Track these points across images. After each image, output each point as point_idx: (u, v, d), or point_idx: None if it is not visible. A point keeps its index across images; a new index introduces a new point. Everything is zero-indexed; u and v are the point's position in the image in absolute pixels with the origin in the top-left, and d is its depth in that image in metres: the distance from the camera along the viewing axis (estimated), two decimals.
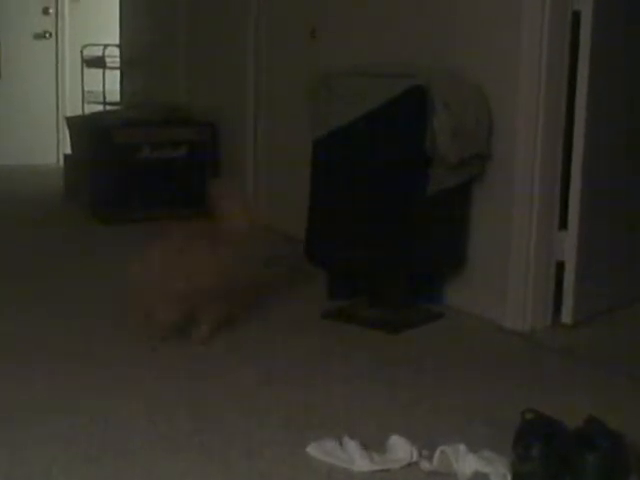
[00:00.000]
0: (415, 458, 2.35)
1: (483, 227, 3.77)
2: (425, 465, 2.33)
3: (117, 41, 7.70)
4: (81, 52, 7.90)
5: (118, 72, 7.68)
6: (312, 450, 2.41)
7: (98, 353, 3.26)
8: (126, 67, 7.58)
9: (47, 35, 8.43)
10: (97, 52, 7.67)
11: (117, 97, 7.66)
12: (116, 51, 7.66)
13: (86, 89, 7.85)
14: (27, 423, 2.60)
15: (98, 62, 7.63)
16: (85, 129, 6.15)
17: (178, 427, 2.59)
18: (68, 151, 6.95)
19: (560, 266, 3.66)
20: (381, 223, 3.68)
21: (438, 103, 3.50)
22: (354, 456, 2.36)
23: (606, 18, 3.52)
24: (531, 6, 3.47)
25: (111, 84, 7.60)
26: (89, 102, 7.74)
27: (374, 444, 2.42)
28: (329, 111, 3.81)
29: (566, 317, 3.66)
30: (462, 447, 2.34)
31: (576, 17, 3.51)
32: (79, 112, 7.63)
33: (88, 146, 5.98)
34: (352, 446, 2.39)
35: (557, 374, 3.16)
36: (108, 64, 7.60)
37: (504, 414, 2.61)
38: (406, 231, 3.64)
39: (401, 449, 2.38)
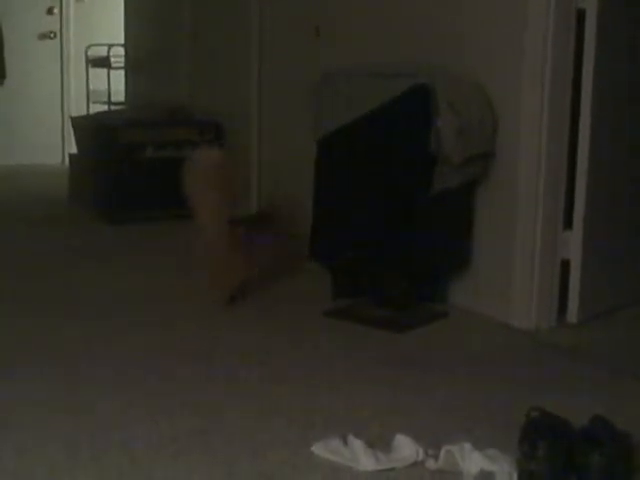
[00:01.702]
0: (420, 457, 2.35)
1: (488, 226, 3.76)
2: (430, 464, 2.33)
3: (122, 41, 7.70)
4: (86, 52, 7.91)
5: (123, 72, 7.68)
6: (317, 449, 2.41)
7: (99, 353, 3.26)
8: (131, 67, 7.58)
9: (52, 35, 8.43)
10: (102, 52, 7.68)
11: (122, 97, 7.67)
12: (121, 51, 7.67)
13: (91, 89, 7.86)
14: (28, 424, 2.60)
15: (103, 62, 7.64)
16: (90, 129, 6.15)
17: (180, 427, 2.59)
18: (73, 151, 6.96)
19: (565, 265, 3.66)
20: (385, 222, 3.68)
21: (442, 102, 3.50)
22: (359, 455, 2.35)
23: (611, 16, 3.51)
24: (535, 4, 3.47)
25: (116, 84, 7.61)
26: (94, 102, 7.75)
27: (379, 443, 2.42)
28: (332, 110, 3.81)
29: (571, 316, 3.65)
30: (467, 446, 2.34)
31: (581, 15, 3.50)
32: (84, 112, 7.64)
33: (93, 146, 5.98)
34: (357, 445, 2.38)
35: (562, 373, 3.16)
36: (113, 64, 7.61)
37: (509, 413, 2.61)
38: (410, 230, 3.63)
39: (406, 448, 2.37)
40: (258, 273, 3.98)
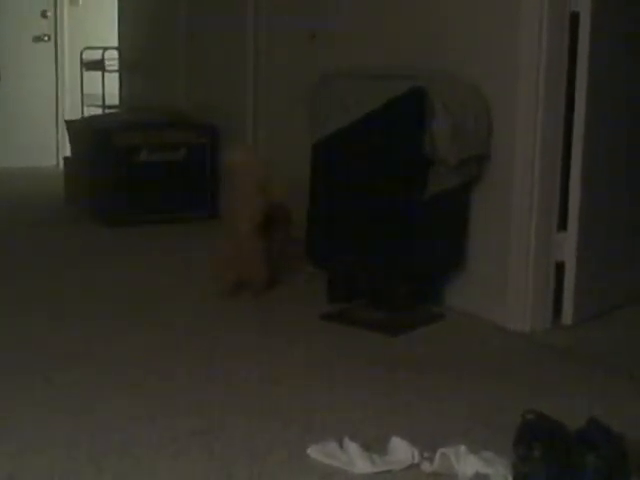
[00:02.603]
0: (416, 460, 2.35)
1: (483, 228, 3.77)
2: (426, 467, 2.33)
3: (116, 44, 7.70)
4: (80, 55, 7.90)
5: (117, 75, 7.68)
6: (313, 452, 2.41)
7: (98, 354, 3.26)
8: (125, 70, 7.58)
9: (46, 38, 8.43)
10: (96, 55, 7.68)
11: (116, 100, 7.66)
12: (115, 54, 7.67)
13: (85, 92, 7.86)
14: (28, 427, 2.60)
15: (97, 65, 7.63)
16: (84, 132, 6.15)
17: (179, 427, 2.59)
18: (68, 154, 6.96)
19: (560, 267, 3.67)
20: (381, 224, 3.69)
21: (437, 104, 3.51)
22: (355, 458, 2.36)
23: (604, 19, 3.52)
24: (529, 7, 3.48)
25: (110, 87, 7.60)
26: (88, 105, 7.74)
27: (375, 446, 2.43)
28: (328, 113, 3.82)
29: (566, 318, 3.66)
30: (463, 448, 2.34)
31: (574, 18, 3.52)
32: (78, 115, 7.64)
33: (88, 149, 5.98)
34: (353, 448, 2.39)
35: (557, 375, 3.17)
36: (107, 67, 7.61)
37: (505, 415, 2.61)
38: (405, 232, 3.64)
39: (402, 451, 2.38)
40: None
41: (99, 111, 7.47)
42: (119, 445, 2.47)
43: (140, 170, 5.64)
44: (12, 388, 2.90)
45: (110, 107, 7.51)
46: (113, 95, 7.62)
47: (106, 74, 7.58)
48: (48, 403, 2.77)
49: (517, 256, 3.61)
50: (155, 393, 2.89)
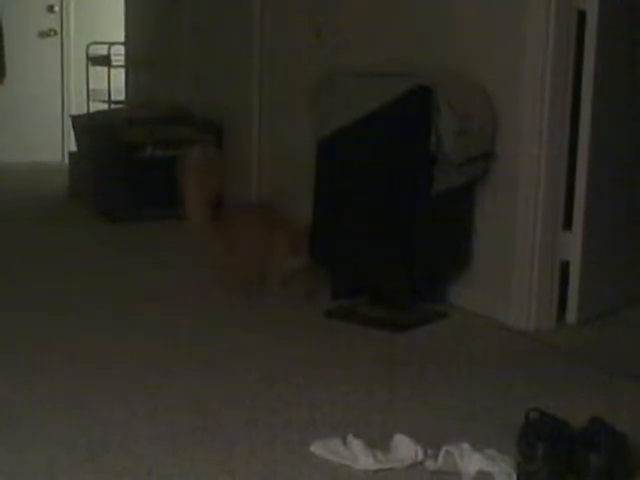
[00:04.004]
0: (420, 457, 2.35)
1: (487, 226, 3.77)
2: (430, 464, 2.33)
3: (122, 39, 7.70)
4: (86, 50, 7.91)
5: (123, 70, 7.68)
6: (316, 449, 2.41)
7: (99, 352, 3.26)
8: (131, 66, 7.58)
9: (52, 33, 8.44)
10: (102, 50, 7.68)
11: (122, 95, 7.67)
12: (121, 49, 7.67)
13: (91, 87, 7.86)
14: (28, 423, 2.60)
15: (103, 60, 7.63)
16: (90, 127, 6.16)
17: (179, 426, 2.59)
18: (73, 149, 6.96)
19: (565, 266, 3.66)
20: (385, 223, 3.68)
21: (443, 103, 3.50)
22: (358, 455, 2.36)
23: (611, 18, 3.52)
24: (536, 6, 3.47)
25: (116, 82, 7.61)
26: (94, 100, 7.75)
27: (378, 443, 2.43)
28: (333, 111, 3.81)
29: (570, 317, 3.66)
30: (466, 446, 2.34)
31: (581, 17, 3.51)
32: (84, 110, 7.64)
33: (93, 144, 5.99)
34: (356, 445, 2.39)
35: (561, 374, 3.16)
36: (113, 62, 7.60)
37: (508, 413, 2.62)
38: (410, 231, 3.64)
39: (405, 448, 2.38)
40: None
41: (105, 106, 7.47)
42: (118, 443, 2.46)
43: (145, 166, 5.64)
44: (12, 385, 2.90)
45: (116, 102, 7.52)
46: (119, 90, 7.62)
47: (112, 69, 7.58)
48: (48, 400, 2.77)
49: (522, 255, 3.60)
50: (155, 390, 2.88)
